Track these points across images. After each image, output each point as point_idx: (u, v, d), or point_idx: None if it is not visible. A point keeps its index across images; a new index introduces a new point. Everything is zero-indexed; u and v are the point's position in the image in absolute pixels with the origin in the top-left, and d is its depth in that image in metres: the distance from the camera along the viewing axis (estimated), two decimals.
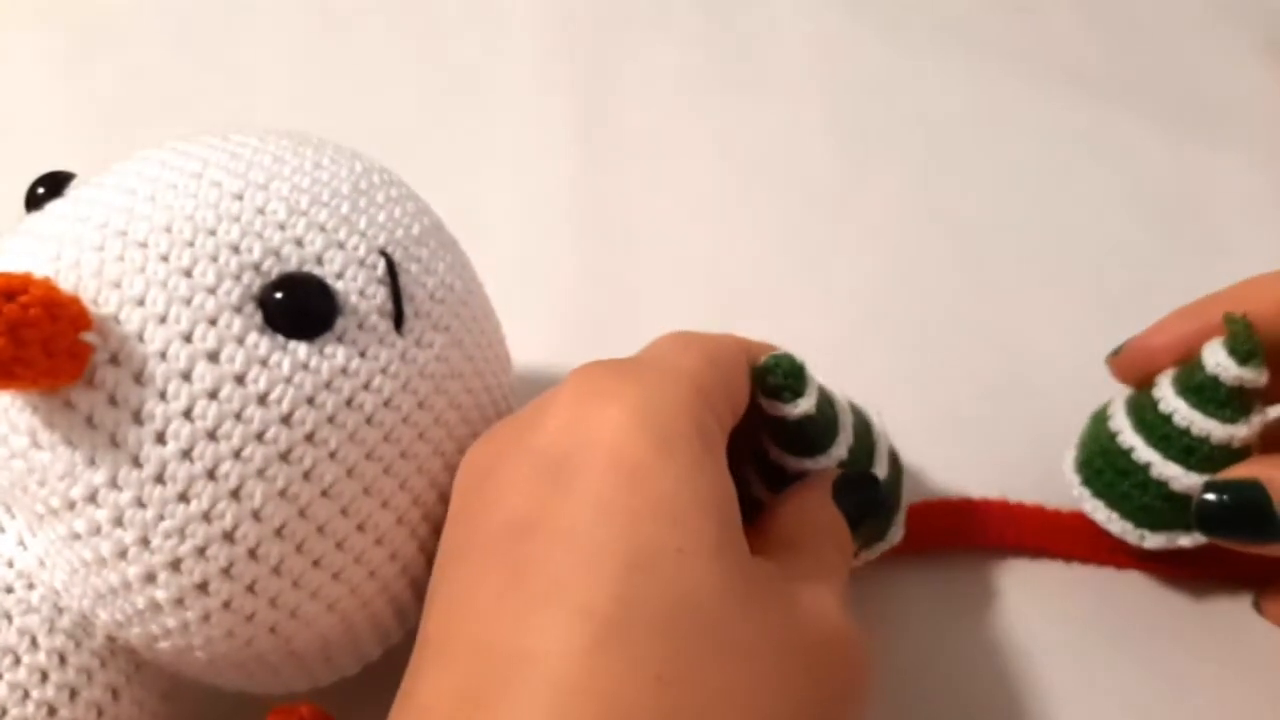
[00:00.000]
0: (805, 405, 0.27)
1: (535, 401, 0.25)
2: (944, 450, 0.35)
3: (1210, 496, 0.27)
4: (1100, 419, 0.30)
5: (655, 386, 0.23)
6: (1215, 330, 0.27)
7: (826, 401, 0.28)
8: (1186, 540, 0.29)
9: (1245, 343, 0.27)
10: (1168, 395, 0.28)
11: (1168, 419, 0.28)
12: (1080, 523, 0.31)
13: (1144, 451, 0.28)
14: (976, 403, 0.36)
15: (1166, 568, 0.31)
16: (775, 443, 0.28)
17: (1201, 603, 0.31)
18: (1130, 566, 0.32)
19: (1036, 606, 0.31)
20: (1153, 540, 0.29)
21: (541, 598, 0.20)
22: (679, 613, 0.20)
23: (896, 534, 0.29)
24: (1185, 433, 0.28)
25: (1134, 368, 0.30)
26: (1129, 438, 0.29)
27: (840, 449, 0.28)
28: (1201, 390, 0.27)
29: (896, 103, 0.46)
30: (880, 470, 0.29)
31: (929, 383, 0.37)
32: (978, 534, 0.32)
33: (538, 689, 0.19)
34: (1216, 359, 0.27)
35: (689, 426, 0.23)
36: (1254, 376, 0.27)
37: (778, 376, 0.26)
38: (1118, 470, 0.29)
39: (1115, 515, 0.29)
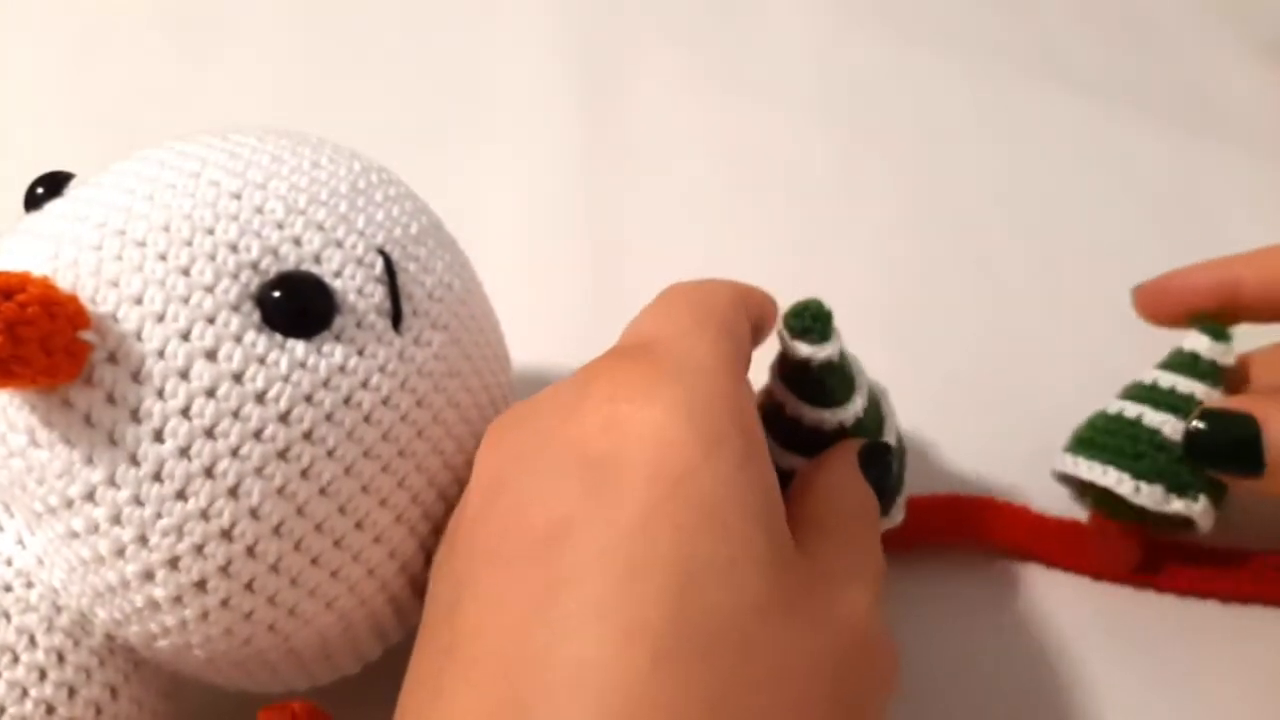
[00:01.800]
0: (830, 350, 0.27)
1: (559, 393, 0.23)
2: (941, 448, 0.35)
3: (1201, 425, 0.28)
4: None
5: (695, 384, 0.22)
6: (1251, 278, 0.29)
7: (844, 355, 0.28)
8: (1179, 505, 0.29)
9: (1221, 333, 0.30)
10: (1151, 373, 0.30)
11: (1153, 385, 0.30)
12: (1068, 530, 0.31)
13: (1133, 408, 0.30)
14: (976, 401, 0.36)
15: (1150, 580, 0.31)
16: (794, 393, 0.28)
17: (1190, 613, 0.31)
18: (1112, 580, 0.32)
19: (1025, 608, 0.31)
20: (1148, 493, 0.29)
21: (589, 612, 0.20)
22: (729, 633, 0.20)
23: (899, 514, 0.29)
24: (1171, 391, 0.29)
25: (1166, 301, 0.31)
26: (1116, 405, 0.30)
27: (858, 403, 0.28)
28: (1182, 365, 0.30)
29: (897, 104, 0.46)
30: (890, 439, 0.29)
31: (927, 381, 0.37)
32: (965, 531, 0.32)
33: (588, 708, 0.19)
34: (1194, 342, 0.30)
35: (731, 424, 0.22)
36: (1224, 353, 0.30)
37: (805, 319, 0.27)
38: (1108, 432, 0.30)
39: (1111, 469, 0.29)
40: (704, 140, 0.44)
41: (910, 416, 0.34)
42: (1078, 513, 0.32)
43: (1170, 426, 0.29)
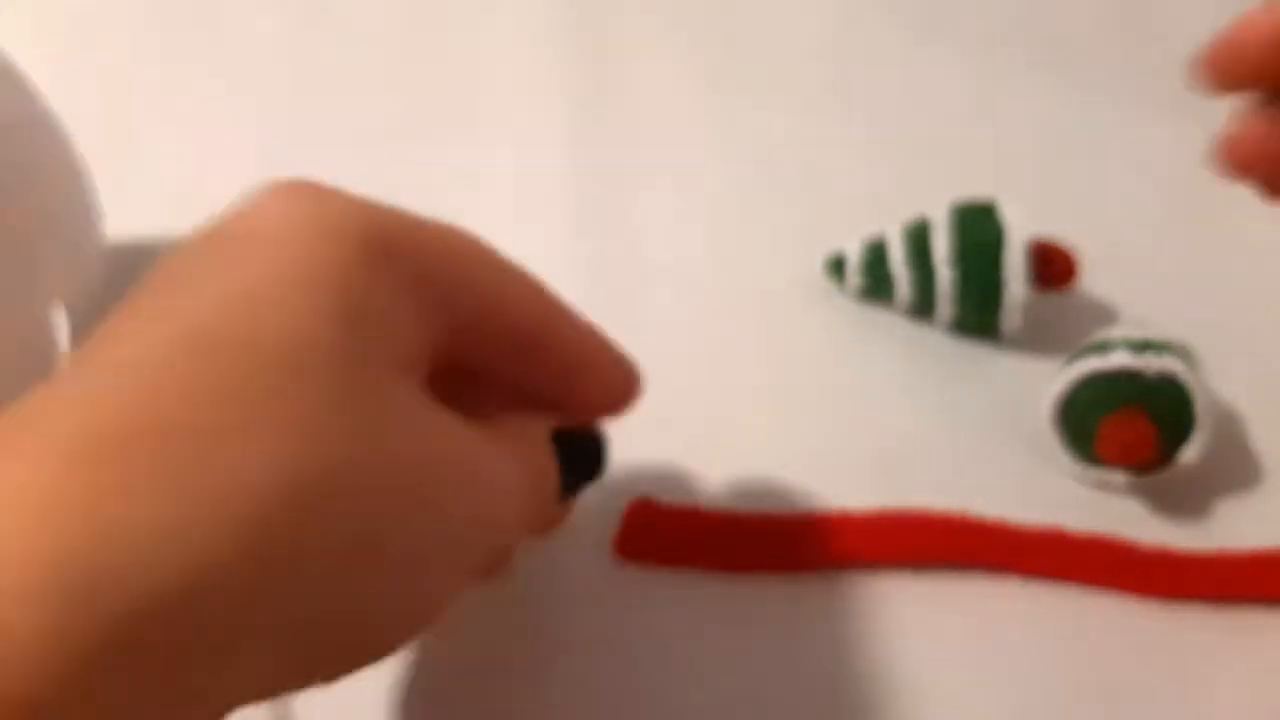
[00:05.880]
0: None
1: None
2: (939, 445, 0.34)
3: None
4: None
5: None
6: None
7: None
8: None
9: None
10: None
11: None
12: (1050, 541, 0.31)
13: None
14: (978, 401, 0.36)
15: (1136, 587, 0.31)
16: None
17: (1189, 615, 0.31)
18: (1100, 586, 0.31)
19: (1010, 622, 0.30)
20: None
21: None
22: None
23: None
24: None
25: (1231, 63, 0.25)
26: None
27: None
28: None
29: (899, 95, 0.46)
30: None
31: (928, 381, 0.36)
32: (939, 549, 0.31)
33: None
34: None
35: None
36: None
37: None
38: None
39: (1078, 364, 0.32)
40: (703, 138, 0.44)
41: (906, 417, 0.34)
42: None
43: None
